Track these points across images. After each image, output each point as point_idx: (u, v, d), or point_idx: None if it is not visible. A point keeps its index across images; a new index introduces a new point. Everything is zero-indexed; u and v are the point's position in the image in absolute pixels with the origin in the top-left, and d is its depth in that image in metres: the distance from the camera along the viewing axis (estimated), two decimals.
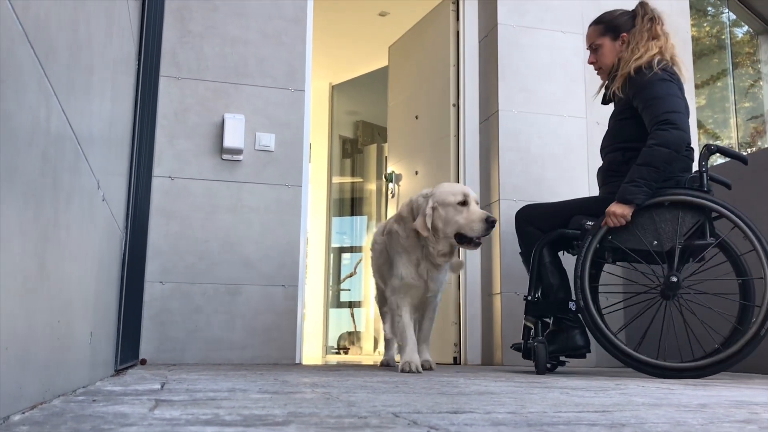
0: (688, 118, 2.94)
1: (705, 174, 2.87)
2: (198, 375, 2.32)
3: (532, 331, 3.05)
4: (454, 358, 4.27)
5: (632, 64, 2.98)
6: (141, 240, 3.19)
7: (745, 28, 7.54)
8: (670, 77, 2.94)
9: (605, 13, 3.24)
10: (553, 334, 3.06)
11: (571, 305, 3.01)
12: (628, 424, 1.07)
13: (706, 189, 2.84)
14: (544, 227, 3.15)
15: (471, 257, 4.28)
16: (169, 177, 3.66)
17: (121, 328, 2.40)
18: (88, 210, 1.56)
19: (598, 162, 3.26)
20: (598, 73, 3.27)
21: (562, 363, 3.17)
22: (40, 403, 1.14)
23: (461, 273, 4.26)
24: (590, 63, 3.27)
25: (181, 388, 1.66)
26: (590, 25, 3.26)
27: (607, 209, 2.89)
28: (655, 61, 2.96)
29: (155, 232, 3.57)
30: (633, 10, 3.16)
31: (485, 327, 4.20)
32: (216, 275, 3.64)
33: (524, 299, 3.11)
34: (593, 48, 3.22)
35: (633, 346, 2.91)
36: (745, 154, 3.01)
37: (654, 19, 3.07)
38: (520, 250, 3.26)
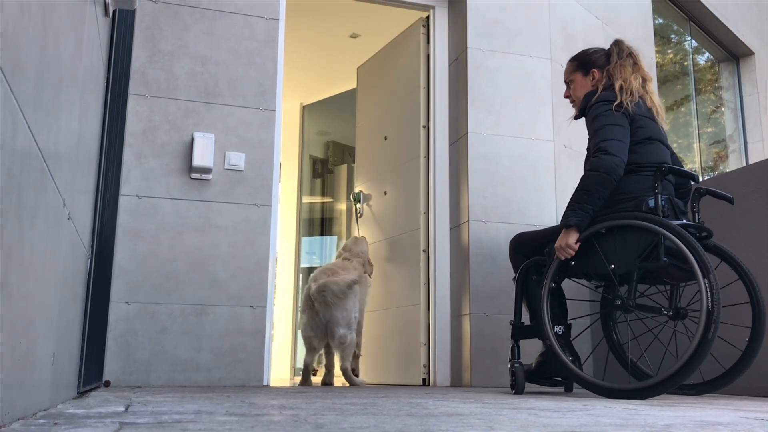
0: (627, 142, 2.99)
1: (668, 198, 2.92)
2: (163, 397, 2.28)
3: (513, 353, 3.14)
4: (423, 380, 4.26)
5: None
6: (107, 259, 3.14)
7: (707, 55, 7.75)
8: (609, 105, 3.02)
9: (582, 50, 3.39)
10: (544, 357, 3.11)
11: (557, 329, 3.05)
12: None
13: (662, 213, 2.86)
14: (531, 254, 3.23)
15: (440, 278, 4.29)
16: (137, 196, 3.61)
17: (84, 349, 2.35)
18: (53, 228, 1.53)
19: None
20: (573, 106, 3.41)
21: (560, 383, 3.21)
22: None
23: (431, 294, 4.29)
24: (565, 97, 3.42)
25: (146, 411, 1.63)
26: (567, 62, 3.41)
27: (555, 244, 2.99)
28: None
29: (121, 252, 3.52)
30: (608, 49, 3.28)
31: (454, 348, 4.20)
32: (183, 295, 3.59)
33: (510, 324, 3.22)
34: (567, 83, 3.38)
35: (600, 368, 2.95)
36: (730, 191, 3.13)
37: (633, 54, 3.18)
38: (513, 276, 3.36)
